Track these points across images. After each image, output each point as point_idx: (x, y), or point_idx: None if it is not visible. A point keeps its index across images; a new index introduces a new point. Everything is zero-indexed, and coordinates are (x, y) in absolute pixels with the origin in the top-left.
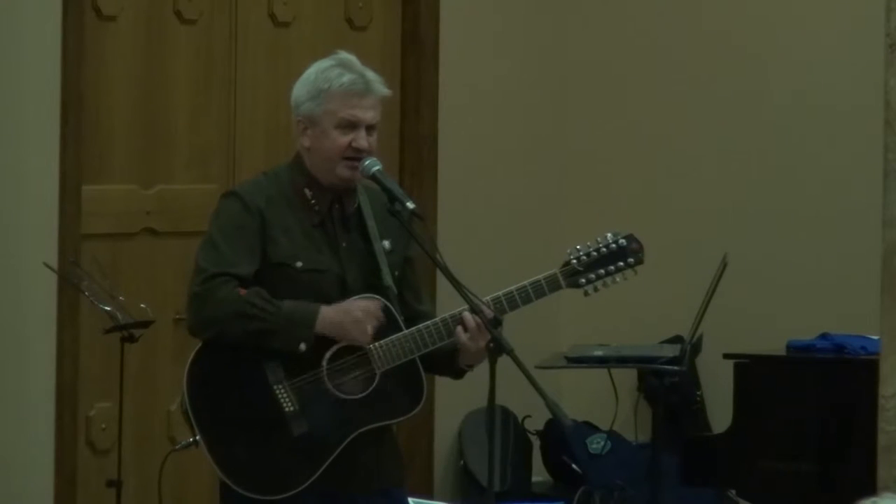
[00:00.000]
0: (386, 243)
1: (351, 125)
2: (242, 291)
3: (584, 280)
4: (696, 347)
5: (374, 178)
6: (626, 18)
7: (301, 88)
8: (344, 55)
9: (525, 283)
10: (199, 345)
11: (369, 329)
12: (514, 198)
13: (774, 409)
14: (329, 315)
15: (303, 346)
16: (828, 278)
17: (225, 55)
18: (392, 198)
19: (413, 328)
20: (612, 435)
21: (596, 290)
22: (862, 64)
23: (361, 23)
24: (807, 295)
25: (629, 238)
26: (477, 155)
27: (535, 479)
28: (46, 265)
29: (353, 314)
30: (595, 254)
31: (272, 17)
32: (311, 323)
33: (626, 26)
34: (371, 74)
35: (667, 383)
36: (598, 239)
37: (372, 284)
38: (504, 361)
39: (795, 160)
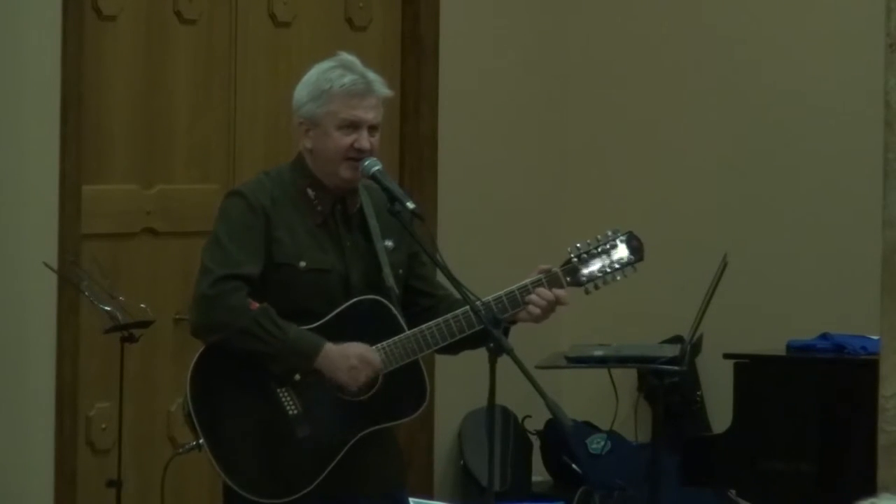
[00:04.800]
0: (389, 242)
1: (352, 126)
2: (254, 305)
3: (585, 278)
4: (696, 347)
5: (373, 178)
6: (627, 18)
7: (302, 90)
8: (345, 56)
9: (526, 281)
10: (202, 348)
11: (361, 378)
12: (514, 198)
13: (774, 409)
14: (330, 355)
15: (297, 377)
16: (828, 278)
17: (225, 55)
18: (392, 198)
19: (416, 329)
20: (612, 435)
21: (597, 287)
22: (862, 64)
23: (361, 23)
24: (807, 295)
25: (629, 235)
26: (477, 155)
27: (535, 479)
28: (46, 265)
29: (351, 361)
30: (596, 251)
31: (272, 17)
32: (312, 358)
33: (626, 26)
34: (372, 75)
35: (667, 383)
36: (599, 236)
37: (374, 284)
38: (504, 361)
39: (795, 160)
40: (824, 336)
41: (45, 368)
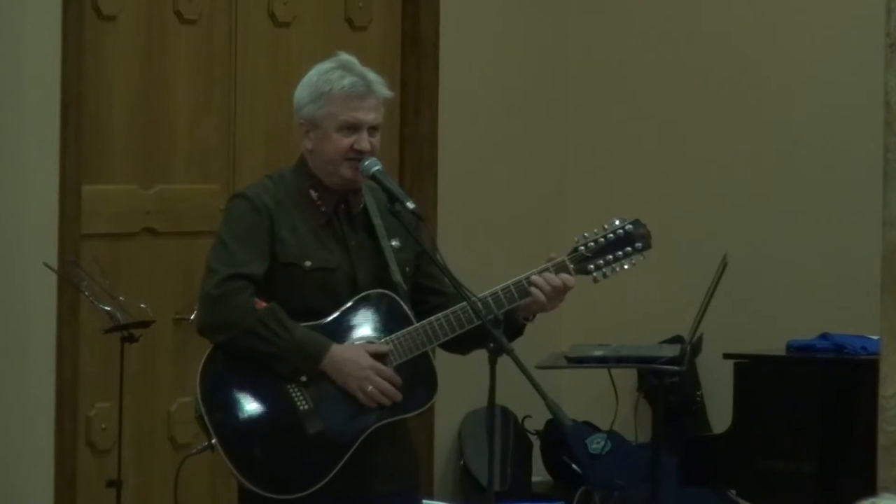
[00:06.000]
0: (395, 242)
1: (353, 127)
2: (260, 304)
3: (592, 266)
4: (696, 347)
5: (373, 178)
6: (627, 18)
7: (303, 91)
8: (345, 56)
9: (533, 270)
10: (210, 348)
11: (370, 389)
12: (514, 197)
13: (774, 409)
14: (338, 358)
15: (303, 378)
16: (828, 278)
17: (225, 55)
18: (392, 198)
19: (424, 321)
20: (612, 435)
21: (605, 276)
22: (862, 64)
23: (361, 23)
24: (807, 295)
25: (636, 223)
26: (477, 155)
27: (535, 479)
28: (46, 265)
29: (364, 372)
30: (603, 240)
31: (272, 17)
32: (318, 360)
33: (626, 26)
34: (372, 76)
35: (667, 383)
36: (605, 225)
37: (382, 281)
38: (504, 361)
39: (795, 160)
40: (824, 336)
41: (45, 368)
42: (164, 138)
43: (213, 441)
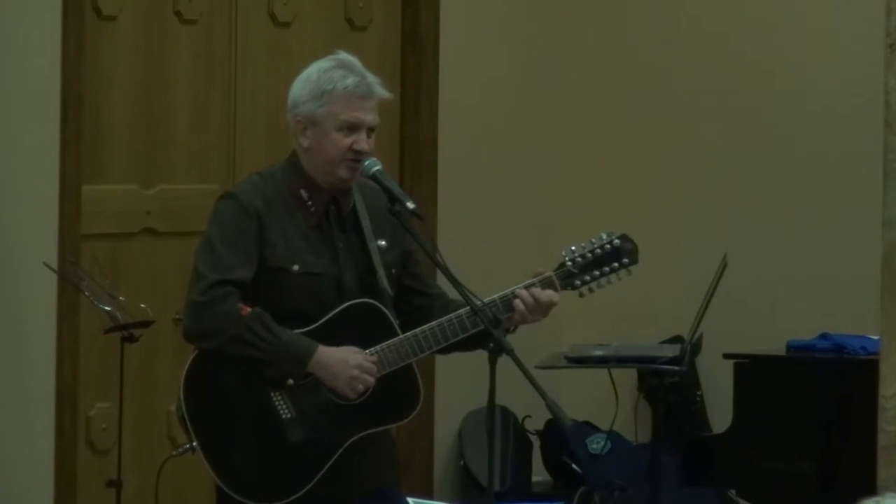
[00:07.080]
0: (381, 242)
1: (353, 127)
2: (246, 310)
3: (578, 282)
4: (696, 347)
5: (374, 178)
6: (627, 18)
7: (302, 88)
8: (344, 56)
9: (519, 285)
10: (196, 351)
11: (360, 388)
12: (514, 198)
13: (774, 409)
14: (324, 359)
15: (290, 382)
16: (828, 278)
17: (225, 55)
18: (392, 198)
19: (410, 332)
20: (612, 435)
21: (591, 290)
22: (862, 64)
23: (361, 23)
24: (807, 295)
25: (623, 238)
26: (477, 155)
27: (535, 479)
28: (46, 265)
29: (351, 371)
30: (590, 255)
31: (272, 17)
32: (305, 362)
33: (626, 26)
34: (371, 77)
35: (667, 383)
36: (593, 240)
37: (368, 286)
38: (504, 361)
39: (795, 160)
40: (824, 336)
41: (45, 368)
42: (164, 138)
43: (194, 443)
